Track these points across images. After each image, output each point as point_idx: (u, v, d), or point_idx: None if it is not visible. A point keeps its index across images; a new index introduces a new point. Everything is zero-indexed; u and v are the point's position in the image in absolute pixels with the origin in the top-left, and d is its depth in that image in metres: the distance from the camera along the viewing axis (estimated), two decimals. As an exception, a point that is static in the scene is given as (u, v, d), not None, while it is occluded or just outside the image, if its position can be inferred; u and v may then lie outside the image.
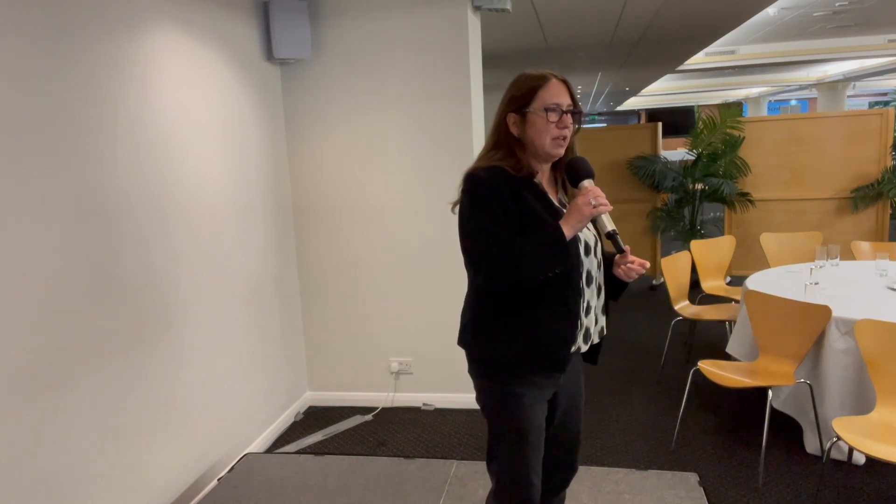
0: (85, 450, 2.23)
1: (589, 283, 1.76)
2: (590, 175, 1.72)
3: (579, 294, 1.72)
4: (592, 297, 1.78)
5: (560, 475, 1.97)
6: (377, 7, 3.54)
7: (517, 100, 1.71)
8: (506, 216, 1.65)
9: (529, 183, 1.71)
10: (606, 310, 1.86)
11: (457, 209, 1.74)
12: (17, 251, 1.97)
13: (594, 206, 1.62)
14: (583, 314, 1.75)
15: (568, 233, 1.63)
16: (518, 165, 1.70)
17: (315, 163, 3.77)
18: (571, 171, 1.73)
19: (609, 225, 1.67)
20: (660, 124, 6.65)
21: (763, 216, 6.25)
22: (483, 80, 3.93)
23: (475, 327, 1.78)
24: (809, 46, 11.03)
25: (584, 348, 1.80)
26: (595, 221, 1.73)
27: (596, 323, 1.81)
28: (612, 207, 1.66)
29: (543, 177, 1.78)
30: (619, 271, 1.73)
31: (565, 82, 1.72)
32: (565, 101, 1.69)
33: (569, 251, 1.64)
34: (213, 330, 3.00)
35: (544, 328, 1.70)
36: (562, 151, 1.73)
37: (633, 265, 1.69)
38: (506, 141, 1.73)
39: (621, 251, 1.69)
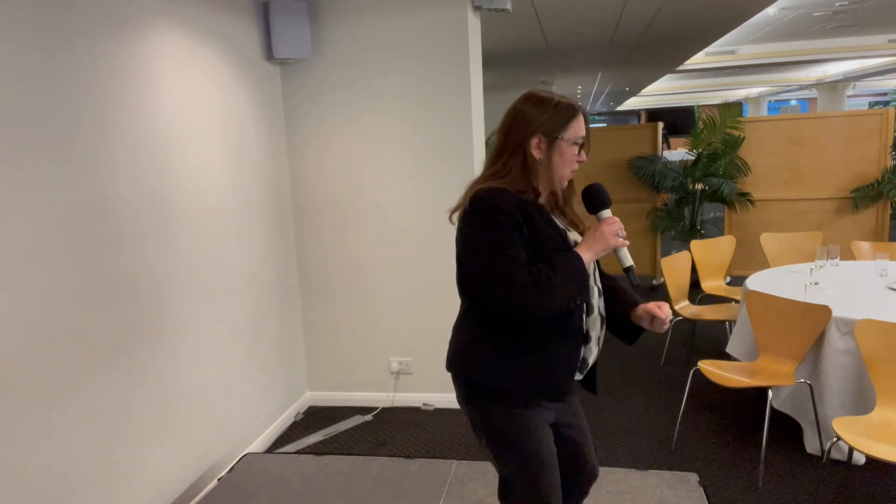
0: (85, 449, 2.23)
1: (590, 312, 1.73)
2: (610, 203, 1.71)
3: (582, 322, 1.70)
4: (593, 327, 1.74)
5: (580, 485, 1.92)
6: (377, 7, 3.54)
7: (551, 123, 1.64)
8: (521, 240, 1.59)
9: (535, 206, 1.66)
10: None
11: (454, 217, 1.69)
12: (17, 251, 1.97)
13: (619, 238, 1.64)
14: (583, 343, 1.73)
15: (589, 259, 1.62)
16: (526, 188, 1.64)
17: (315, 162, 3.77)
18: (592, 197, 1.71)
19: (628, 260, 1.68)
20: (660, 124, 6.65)
21: (763, 216, 6.25)
22: (483, 80, 3.93)
23: (475, 352, 1.70)
24: (809, 46, 11.03)
25: (580, 377, 1.78)
26: (614, 252, 1.71)
27: (592, 353, 1.77)
28: (629, 243, 1.69)
29: (545, 198, 1.74)
30: (649, 325, 1.71)
31: (586, 115, 1.73)
32: (584, 134, 1.69)
33: (588, 281, 1.62)
34: (213, 330, 3.00)
35: (549, 355, 1.66)
36: (566, 183, 1.73)
37: (664, 321, 1.67)
38: (522, 161, 1.65)
39: (635, 286, 1.71)
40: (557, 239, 1.65)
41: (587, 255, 1.62)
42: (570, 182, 1.75)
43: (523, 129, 1.65)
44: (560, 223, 1.73)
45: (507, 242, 1.57)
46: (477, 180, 1.70)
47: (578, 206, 1.77)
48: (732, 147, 6.08)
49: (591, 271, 1.68)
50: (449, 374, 1.79)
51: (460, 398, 1.77)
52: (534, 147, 1.65)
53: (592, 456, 1.92)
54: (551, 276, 1.55)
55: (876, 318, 2.67)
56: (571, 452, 1.85)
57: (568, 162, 1.67)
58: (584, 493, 1.97)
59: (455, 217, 1.71)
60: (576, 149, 1.67)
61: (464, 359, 1.74)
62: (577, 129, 1.66)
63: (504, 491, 1.76)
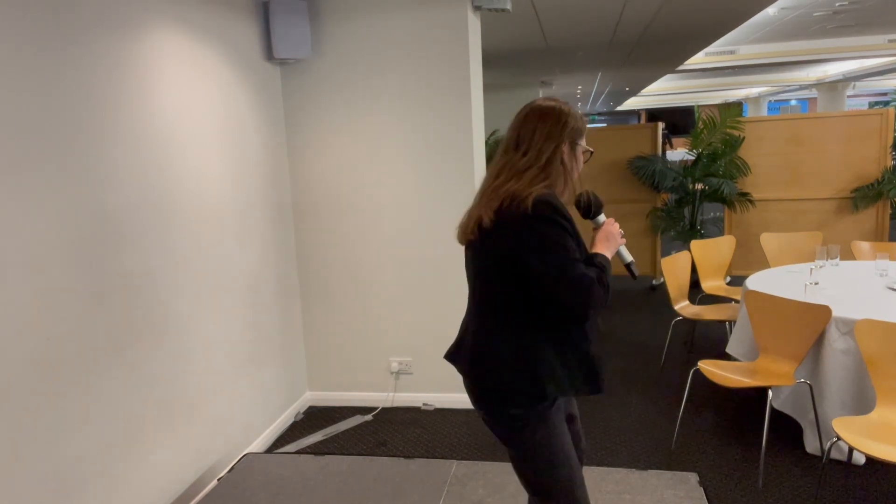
0: (85, 449, 2.23)
1: None
2: (602, 208, 1.86)
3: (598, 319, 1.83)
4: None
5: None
6: (377, 7, 3.54)
7: (577, 132, 1.76)
8: (578, 242, 1.70)
9: (568, 212, 1.75)
10: None
11: (472, 236, 1.73)
12: (16, 252, 1.97)
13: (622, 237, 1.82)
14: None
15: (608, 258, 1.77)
16: (563, 194, 1.75)
17: (315, 162, 3.77)
18: (591, 204, 1.83)
19: (628, 256, 1.87)
20: (660, 124, 6.65)
21: (763, 216, 6.25)
22: (483, 80, 3.93)
23: (507, 365, 1.68)
24: (809, 46, 11.03)
25: None
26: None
27: None
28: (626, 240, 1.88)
29: None
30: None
31: None
32: None
33: None
34: (213, 330, 3.00)
35: (590, 352, 1.73)
36: None
37: None
38: (560, 168, 1.73)
39: (635, 277, 1.88)
40: (583, 243, 1.75)
41: (607, 255, 1.76)
42: None
43: (557, 136, 1.73)
44: None
45: (572, 246, 1.65)
46: (517, 186, 1.67)
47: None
48: (732, 147, 6.08)
49: None
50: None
51: (485, 414, 1.77)
52: (566, 153, 1.74)
53: (582, 439, 2.02)
54: (602, 275, 1.66)
55: (876, 318, 2.67)
56: (571, 427, 1.93)
57: (578, 168, 1.79)
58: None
59: (477, 229, 1.71)
60: (586, 156, 1.81)
61: (493, 374, 1.72)
62: (586, 136, 1.82)
63: (544, 499, 1.78)
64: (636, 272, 1.89)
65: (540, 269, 1.62)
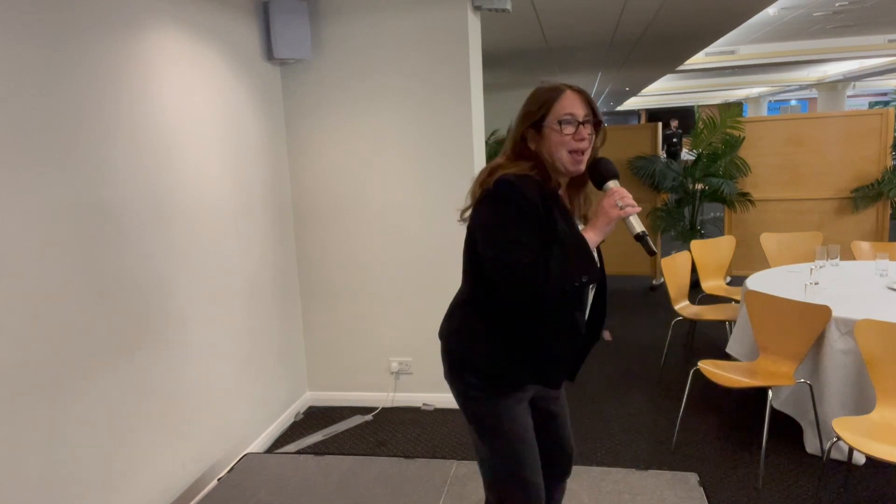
0: (85, 450, 2.23)
1: (584, 308, 1.75)
2: (614, 175, 1.67)
3: (583, 309, 1.71)
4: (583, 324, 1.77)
5: (559, 463, 1.95)
6: (377, 7, 3.54)
7: (532, 115, 1.64)
8: (536, 228, 1.57)
9: (555, 197, 1.64)
10: (596, 323, 1.82)
11: (467, 215, 1.69)
12: (16, 252, 1.97)
13: (621, 208, 1.58)
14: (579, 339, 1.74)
15: (595, 238, 1.59)
16: (547, 177, 1.64)
17: (315, 162, 3.76)
18: (595, 172, 1.68)
19: (637, 227, 1.61)
20: (660, 124, 6.65)
21: (763, 216, 6.25)
22: (483, 80, 3.93)
23: (470, 335, 1.72)
24: (809, 46, 11.03)
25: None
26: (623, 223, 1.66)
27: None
28: (640, 209, 1.62)
29: (563, 194, 1.73)
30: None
31: (581, 93, 1.64)
32: (580, 111, 1.62)
33: (594, 260, 1.59)
34: (213, 330, 3.00)
35: (549, 345, 1.67)
36: (581, 167, 1.65)
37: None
38: (531, 155, 1.66)
39: (652, 253, 1.64)
40: (568, 231, 1.62)
41: (591, 234, 1.59)
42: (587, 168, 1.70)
43: (517, 126, 1.68)
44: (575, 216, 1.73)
45: (521, 228, 1.54)
46: (496, 166, 1.66)
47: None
48: (732, 147, 6.08)
49: (594, 250, 1.63)
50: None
51: (445, 372, 1.79)
52: (529, 140, 1.66)
53: (568, 431, 1.94)
54: (551, 259, 1.52)
55: (876, 318, 2.67)
56: (549, 427, 1.88)
57: (557, 145, 1.62)
58: (566, 472, 1.98)
59: (467, 214, 1.70)
60: (565, 128, 1.61)
61: (450, 336, 1.77)
62: (558, 109, 1.61)
63: (488, 478, 1.79)
64: (653, 246, 1.62)
65: (482, 246, 1.62)
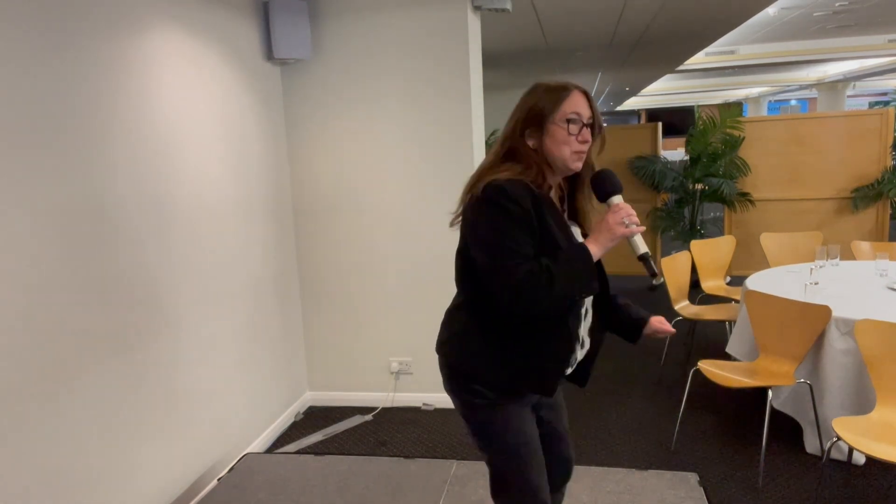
0: (85, 449, 2.23)
1: (584, 316, 1.73)
2: (619, 190, 1.63)
3: (579, 319, 1.70)
4: (585, 331, 1.75)
5: (560, 469, 1.93)
6: (377, 7, 3.54)
7: (537, 109, 1.61)
8: (531, 233, 1.54)
9: (547, 199, 1.62)
10: (599, 331, 1.81)
11: (457, 222, 1.67)
12: (15, 251, 1.97)
13: (627, 226, 1.55)
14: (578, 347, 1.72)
15: (597, 253, 1.55)
16: (539, 180, 1.60)
17: (315, 163, 3.76)
18: (599, 185, 1.64)
19: (642, 247, 1.59)
20: (660, 124, 6.65)
21: (763, 216, 6.25)
22: (483, 80, 3.93)
23: (466, 343, 1.69)
24: (809, 46, 11.03)
25: (569, 371, 1.76)
26: (627, 241, 1.63)
27: (582, 347, 1.76)
28: (644, 228, 1.59)
29: (553, 190, 1.69)
30: (649, 331, 1.76)
31: (587, 94, 1.63)
32: (586, 112, 1.61)
33: (595, 274, 1.56)
34: (213, 330, 3.00)
35: (541, 352, 1.64)
36: (580, 165, 1.64)
37: (665, 328, 1.76)
38: (524, 153, 1.61)
39: (654, 274, 1.60)
40: (561, 236, 1.60)
41: (594, 248, 1.55)
42: (587, 169, 1.68)
43: (517, 120, 1.64)
44: (569, 220, 1.71)
45: (514, 235, 1.52)
46: (484, 170, 1.64)
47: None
48: (732, 147, 6.08)
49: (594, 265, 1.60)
50: None
51: (445, 384, 1.77)
52: (528, 136, 1.62)
53: (566, 435, 1.93)
54: (553, 269, 1.50)
55: (876, 318, 2.67)
56: (547, 432, 1.86)
57: (562, 143, 1.60)
58: (566, 477, 1.97)
59: (458, 220, 1.68)
60: (571, 127, 1.59)
61: (446, 343, 1.75)
62: (566, 107, 1.59)
63: (496, 486, 1.78)
64: (655, 269, 1.59)
65: (476, 253, 1.59)
